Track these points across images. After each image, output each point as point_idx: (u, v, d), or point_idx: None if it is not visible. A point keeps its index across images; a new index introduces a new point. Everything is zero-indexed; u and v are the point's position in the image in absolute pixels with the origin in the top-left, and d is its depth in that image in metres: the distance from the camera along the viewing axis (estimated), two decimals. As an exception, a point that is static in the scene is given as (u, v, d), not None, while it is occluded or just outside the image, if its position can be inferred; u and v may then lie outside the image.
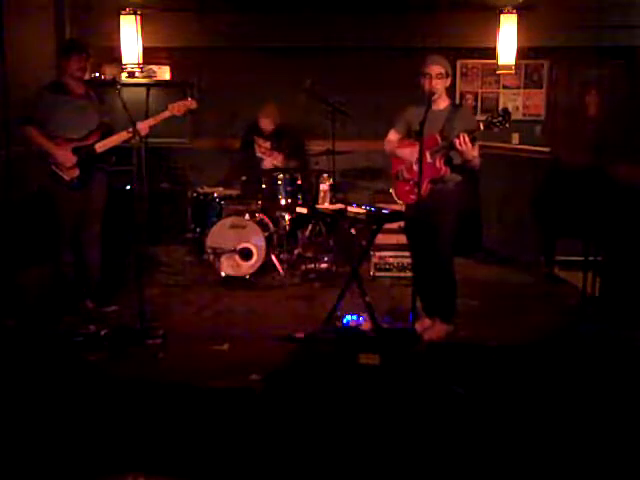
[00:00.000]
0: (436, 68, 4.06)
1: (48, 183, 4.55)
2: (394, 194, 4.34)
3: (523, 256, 5.97)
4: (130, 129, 4.35)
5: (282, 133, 6.32)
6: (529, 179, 5.95)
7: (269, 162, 6.21)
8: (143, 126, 4.46)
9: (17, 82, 5.83)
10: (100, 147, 4.55)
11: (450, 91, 4.27)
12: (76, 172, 4.50)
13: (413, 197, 4.09)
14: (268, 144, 6.28)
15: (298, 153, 6.51)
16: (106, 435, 3.09)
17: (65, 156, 4.45)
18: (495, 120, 3.89)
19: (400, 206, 4.42)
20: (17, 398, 3.41)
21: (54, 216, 4.61)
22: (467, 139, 3.88)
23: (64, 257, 4.68)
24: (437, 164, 4.08)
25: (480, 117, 4.26)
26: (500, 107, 6.92)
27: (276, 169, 6.10)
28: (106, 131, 4.58)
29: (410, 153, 4.14)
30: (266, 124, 6.23)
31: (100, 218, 4.72)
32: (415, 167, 3.99)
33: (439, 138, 4.05)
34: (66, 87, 4.54)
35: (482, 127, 3.93)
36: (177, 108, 4.66)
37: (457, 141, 3.90)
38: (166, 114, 4.64)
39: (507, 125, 3.90)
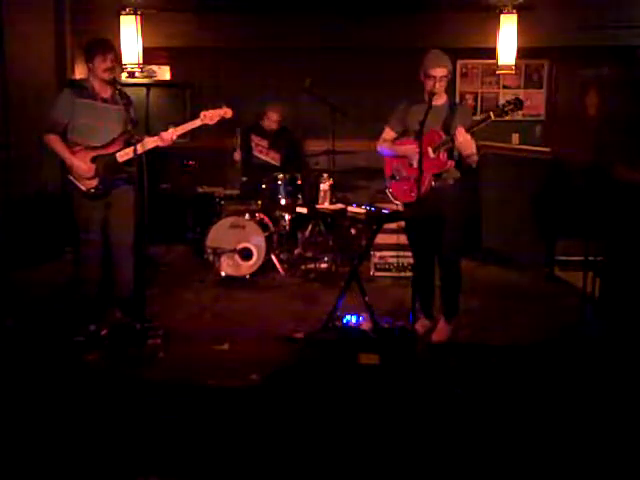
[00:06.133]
0: (440, 71, 4.03)
1: (69, 189, 4.32)
2: (390, 195, 4.31)
3: (523, 256, 5.96)
4: (155, 137, 4.19)
5: (280, 132, 6.32)
6: (529, 179, 5.95)
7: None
8: (170, 135, 4.23)
9: (17, 82, 5.85)
10: (121, 156, 4.24)
11: (449, 90, 4.26)
12: (94, 183, 4.24)
13: (414, 195, 4.05)
14: (265, 143, 6.28)
15: (296, 152, 6.52)
16: (106, 435, 3.09)
17: (83, 167, 4.21)
18: (507, 108, 3.93)
19: (398, 206, 4.41)
20: (17, 398, 3.42)
21: (74, 222, 4.39)
22: (464, 131, 3.93)
23: (86, 269, 4.41)
24: (441, 158, 4.07)
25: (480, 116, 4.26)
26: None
27: (276, 168, 6.10)
28: (130, 138, 4.19)
29: (412, 150, 4.10)
30: (272, 122, 6.22)
31: (130, 232, 4.27)
32: (415, 164, 3.99)
33: (442, 132, 4.05)
34: (92, 90, 4.25)
35: (493, 116, 3.96)
36: (210, 117, 4.29)
37: (457, 134, 3.92)
38: (197, 123, 4.31)
39: (518, 110, 3.94)
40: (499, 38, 6.61)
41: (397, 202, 4.30)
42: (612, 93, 5.87)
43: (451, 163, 4.08)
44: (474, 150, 4.01)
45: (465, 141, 3.95)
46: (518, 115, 7.21)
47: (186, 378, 3.70)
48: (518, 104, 3.96)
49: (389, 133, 4.33)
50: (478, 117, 4.16)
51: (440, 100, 4.14)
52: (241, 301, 5.17)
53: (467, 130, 3.95)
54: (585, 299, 4.60)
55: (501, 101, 6.96)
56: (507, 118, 4.04)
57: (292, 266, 5.93)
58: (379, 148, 4.36)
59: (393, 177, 4.28)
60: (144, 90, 6.83)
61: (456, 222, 4.19)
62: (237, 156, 6.22)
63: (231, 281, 5.56)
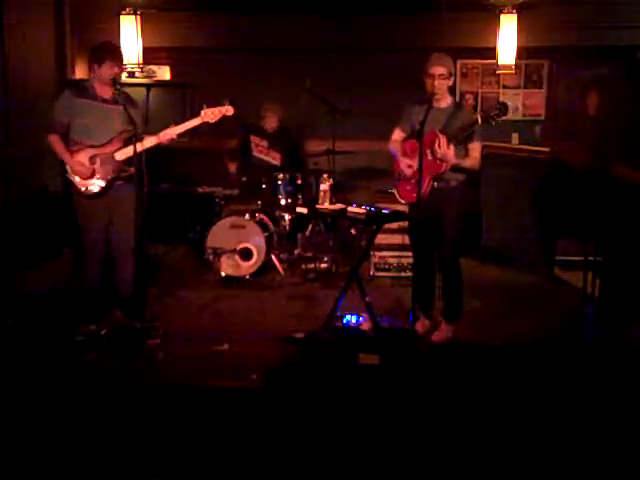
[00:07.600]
0: (439, 69, 4.05)
1: (69, 189, 4.32)
2: (397, 194, 4.33)
3: (523, 256, 5.96)
4: (154, 137, 4.19)
5: (280, 132, 6.32)
6: (529, 179, 5.95)
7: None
8: (169, 134, 4.23)
9: (18, 82, 5.85)
10: (120, 155, 4.22)
11: (451, 90, 4.27)
12: (92, 182, 4.24)
13: (415, 196, 4.07)
14: (265, 143, 6.28)
15: (296, 152, 6.51)
16: (105, 436, 3.09)
17: (81, 167, 4.20)
18: (492, 113, 3.93)
19: (403, 206, 4.42)
20: (17, 398, 3.42)
21: (76, 224, 4.37)
22: (443, 141, 3.93)
23: (89, 271, 4.40)
24: (438, 160, 4.07)
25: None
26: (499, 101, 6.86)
27: (276, 168, 6.10)
28: (129, 138, 4.15)
29: (410, 155, 4.14)
30: (271, 122, 6.23)
31: (131, 232, 4.17)
32: (416, 166, 4.00)
33: (440, 134, 4.05)
34: (92, 91, 4.25)
35: (480, 121, 3.96)
36: (211, 115, 4.28)
37: (436, 147, 3.94)
38: (197, 121, 4.29)
39: (503, 116, 3.93)
40: (499, 38, 6.61)
41: (402, 201, 4.32)
42: (612, 93, 5.87)
43: (447, 166, 4.07)
44: (455, 161, 4.02)
45: (445, 154, 3.97)
46: (518, 115, 7.24)
47: (186, 378, 3.70)
48: (503, 109, 3.96)
49: (398, 134, 4.37)
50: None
51: (444, 102, 4.15)
52: (241, 301, 5.17)
53: (449, 141, 3.96)
54: (585, 299, 4.60)
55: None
56: (500, 119, 4.04)
57: (292, 266, 5.93)
58: (389, 147, 4.41)
59: (398, 177, 4.31)
60: (144, 90, 6.84)
61: (457, 223, 4.19)
62: (232, 168, 6.27)
63: (231, 281, 5.56)
